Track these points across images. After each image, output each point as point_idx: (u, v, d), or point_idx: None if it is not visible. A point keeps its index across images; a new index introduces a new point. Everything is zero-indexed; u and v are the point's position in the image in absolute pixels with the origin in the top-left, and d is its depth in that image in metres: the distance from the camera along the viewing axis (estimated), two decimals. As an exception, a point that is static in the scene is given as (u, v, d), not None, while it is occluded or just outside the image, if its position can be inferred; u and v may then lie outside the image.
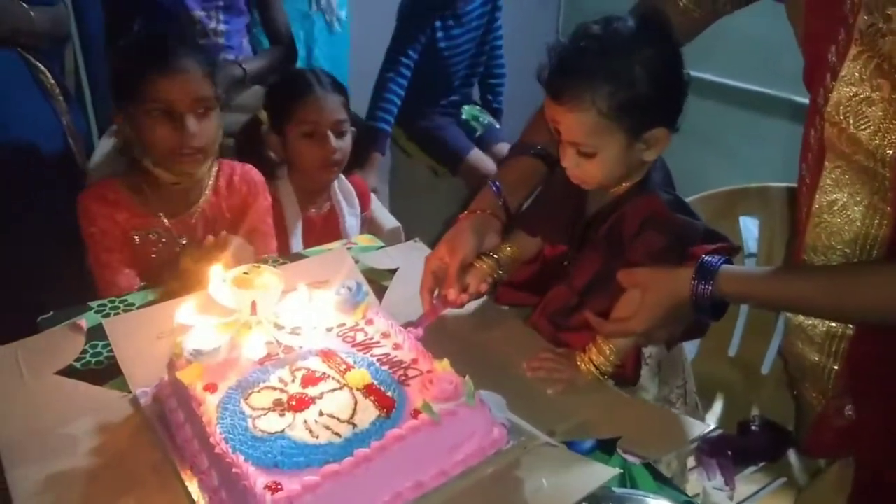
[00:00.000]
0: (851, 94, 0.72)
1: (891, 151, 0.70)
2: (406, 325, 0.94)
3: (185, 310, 0.84)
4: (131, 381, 0.91)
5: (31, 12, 1.45)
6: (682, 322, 0.93)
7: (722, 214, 1.33)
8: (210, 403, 0.76)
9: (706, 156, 2.45)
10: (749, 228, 1.39)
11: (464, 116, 2.21)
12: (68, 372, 0.94)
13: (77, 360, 0.96)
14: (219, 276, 0.86)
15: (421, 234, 1.31)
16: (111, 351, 0.97)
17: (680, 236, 0.90)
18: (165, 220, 1.29)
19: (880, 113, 0.70)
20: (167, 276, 1.17)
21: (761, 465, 1.21)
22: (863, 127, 0.72)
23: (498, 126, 2.26)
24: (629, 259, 0.92)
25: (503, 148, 2.17)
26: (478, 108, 2.25)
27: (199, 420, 0.75)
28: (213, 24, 1.81)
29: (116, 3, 1.83)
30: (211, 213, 1.33)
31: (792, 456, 1.21)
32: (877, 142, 0.71)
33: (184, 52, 1.21)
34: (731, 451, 1.19)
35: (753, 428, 1.26)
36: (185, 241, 1.29)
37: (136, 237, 1.27)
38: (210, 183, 1.34)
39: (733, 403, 1.35)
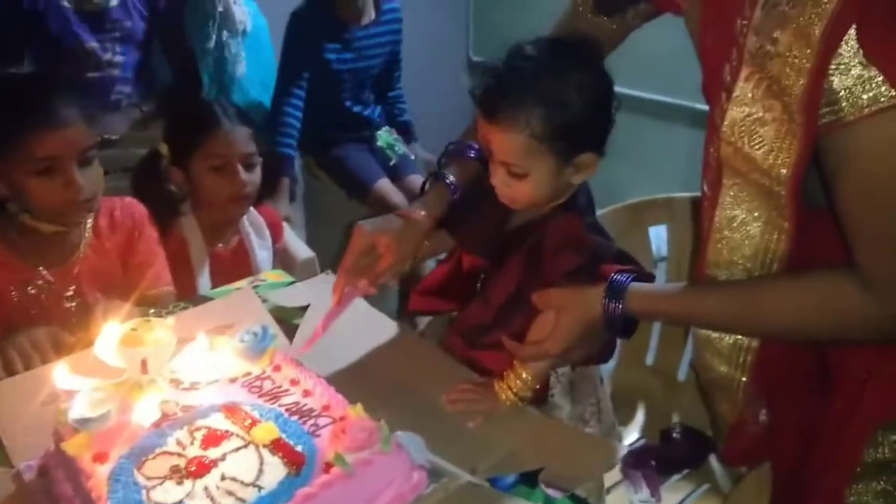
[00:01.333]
0: (745, 114, 0.73)
1: (784, 170, 0.72)
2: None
3: (62, 373, 0.77)
4: (14, 454, 0.83)
5: None
6: (596, 341, 0.93)
7: (631, 226, 1.36)
8: (100, 475, 0.70)
9: (617, 165, 2.52)
10: (659, 235, 1.42)
11: (379, 143, 2.18)
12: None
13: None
14: (106, 334, 0.79)
15: (336, 261, 1.27)
16: (-9, 421, 0.88)
17: (594, 257, 0.91)
18: (45, 273, 1.18)
19: (772, 133, 0.72)
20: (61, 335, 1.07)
21: (685, 472, 1.23)
22: (757, 146, 0.73)
23: (412, 157, 2.24)
24: (545, 278, 0.92)
25: (415, 180, 2.16)
26: (393, 136, 2.23)
27: (87, 495, 0.69)
28: (107, 56, 1.73)
29: (4, 35, 1.71)
30: (95, 257, 1.23)
31: (714, 462, 1.23)
32: (770, 161, 0.73)
33: (66, 101, 1.11)
34: (655, 460, 1.20)
35: (675, 435, 1.28)
36: (71, 293, 1.19)
37: (14, 294, 1.16)
38: (89, 225, 1.24)
39: (654, 411, 1.37)
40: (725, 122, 0.74)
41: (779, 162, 0.72)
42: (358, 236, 0.99)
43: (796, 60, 0.67)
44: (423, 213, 1.01)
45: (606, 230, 0.99)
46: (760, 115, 0.72)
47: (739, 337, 0.87)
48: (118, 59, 1.74)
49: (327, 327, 0.99)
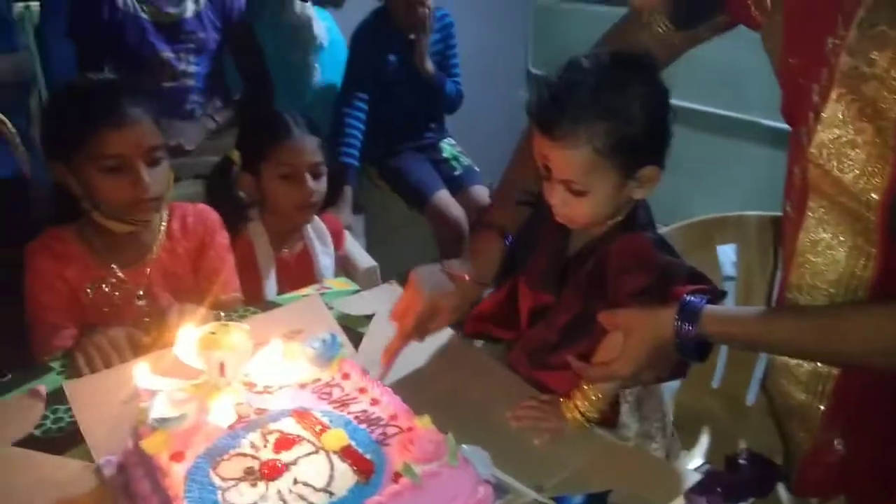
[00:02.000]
0: (834, 136, 0.71)
1: (875, 195, 0.70)
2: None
3: (145, 373, 0.80)
4: (94, 450, 0.86)
5: None
6: (667, 363, 0.91)
7: (699, 244, 1.33)
8: (177, 474, 0.72)
9: (679, 183, 2.48)
10: (727, 254, 1.38)
11: (444, 154, 2.20)
12: (27, 441, 0.88)
13: (37, 426, 0.91)
14: (185, 336, 0.82)
15: (397, 272, 1.28)
16: (73, 416, 0.92)
17: (664, 276, 0.88)
18: (119, 272, 1.23)
19: (864, 156, 0.69)
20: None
21: (751, 500, 1.19)
22: (846, 170, 0.71)
23: (477, 169, 2.25)
24: (612, 299, 0.90)
25: (479, 191, 2.17)
26: (457, 148, 2.24)
27: (164, 492, 0.71)
28: (182, 66, 1.80)
29: (85, 46, 1.80)
30: (167, 259, 1.28)
31: (781, 490, 1.18)
32: (861, 185, 0.70)
33: (133, 102, 1.16)
34: (721, 486, 1.17)
35: (742, 462, 1.24)
36: (142, 293, 1.23)
37: (89, 291, 1.21)
38: (163, 228, 1.28)
39: (719, 437, 1.33)
40: (813, 144, 0.72)
41: (869, 187, 0.70)
42: (418, 300, 0.99)
43: (895, 83, 0.64)
44: (468, 279, 1.01)
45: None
46: (851, 137, 0.70)
47: (819, 364, 0.85)
48: (192, 69, 1.81)
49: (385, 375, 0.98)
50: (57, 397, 0.96)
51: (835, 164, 0.72)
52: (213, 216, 1.37)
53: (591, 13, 3.07)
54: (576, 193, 0.88)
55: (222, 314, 1.15)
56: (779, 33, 0.81)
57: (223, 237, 1.37)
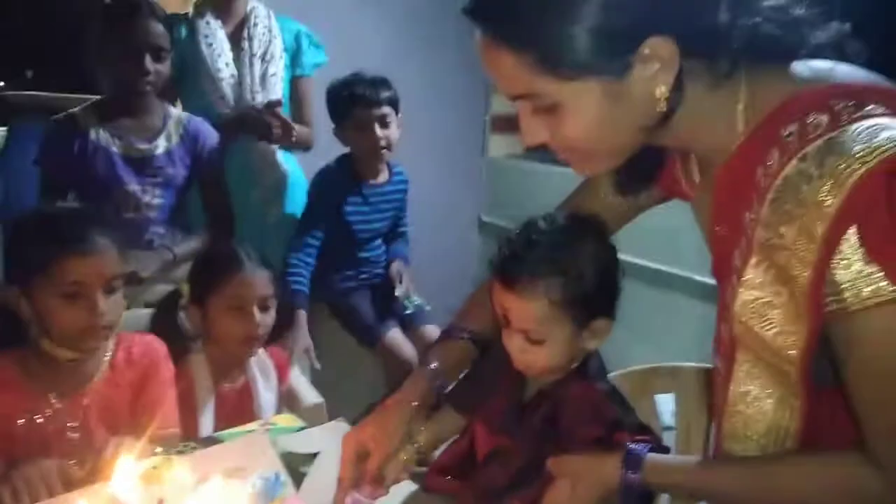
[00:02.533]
0: (754, 297, 0.78)
1: (793, 352, 0.76)
2: None
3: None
4: None
5: None
6: None
7: (637, 393, 1.37)
8: None
9: (618, 331, 2.57)
10: (665, 402, 1.43)
11: (397, 293, 2.25)
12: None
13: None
14: (124, 470, 0.80)
15: (346, 408, 1.28)
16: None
17: (614, 427, 0.93)
18: (55, 402, 1.20)
19: (781, 316, 0.76)
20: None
21: None
22: (767, 328, 0.78)
23: (428, 308, 2.31)
24: (564, 447, 0.93)
25: (431, 330, 2.21)
26: (410, 288, 2.31)
27: None
28: (147, 199, 1.84)
29: (51, 173, 1.84)
30: (107, 390, 1.25)
31: None
32: (779, 342, 0.77)
33: (97, 231, 1.19)
34: None
35: None
36: (76, 425, 1.19)
37: (21, 422, 1.17)
38: (107, 358, 1.26)
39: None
40: (737, 303, 0.80)
41: (788, 343, 0.76)
42: (345, 446, 1.00)
43: (802, 253, 0.72)
44: (396, 402, 1.03)
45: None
46: (770, 299, 0.77)
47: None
48: (156, 201, 1.85)
49: None
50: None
51: (756, 321, 0.78)
52: (161, 348, 1.35)
53: (538, 170, 3.31)
54: (533, 342, 0.95)
55: (158, 449, 1.12)
56: (707, 206, 0.90)
57: (168, 370, 1.35)
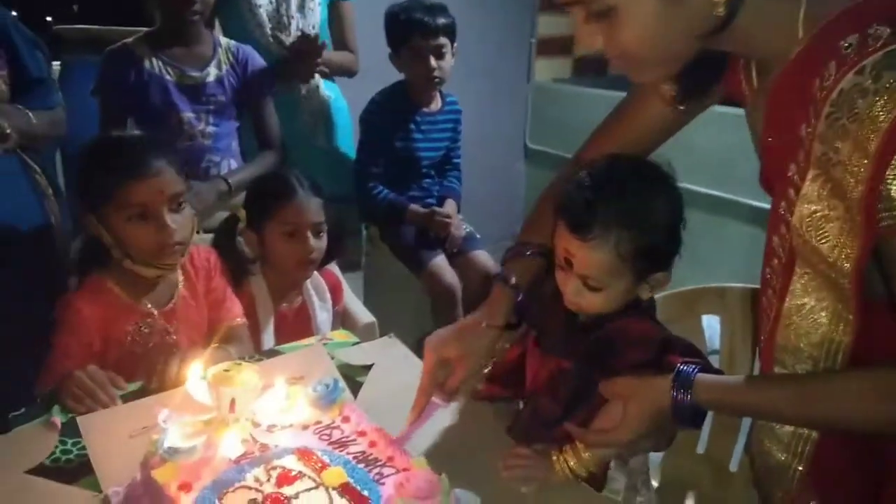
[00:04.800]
0: (811, 210, 0.78)
1: (847, 265, 0.76)
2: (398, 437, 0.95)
3: (156, 406, 0.85)
4: (103, 480, 0.89)
5: (31, 115, 1.50)
6: (664, 432, 0.96)
7: (684, 314, 1.39)
8: None
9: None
10: (712, 326, 1.44)
11: (453, 231, 2.27)
12: (39, 470, 0.92)
13: (48, 457, 0.94)
14: (197, 373, 0.87)
15: (395, 327, 1.34)
16: (83, 448, 0.95)
17: (663, 349, 0.94)
18: (155, 312, 1.30)
19: (836, 230, 0.76)
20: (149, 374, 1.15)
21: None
22: (823, 241, 0.77)
23: (478, 236, 2.34)
24: (616, 371, 0.94)
25: (481, 255, 2.25)
26: (459, 215, 2.34)
27: (172, 521, 0.75)
28: (201, 126, 1.89)
29: (109, 103, 1.90)
30: (189, 295, 1.35)
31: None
32: (835, 255, 0.77)
33: (155, 154, 1.24)
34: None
35: (724, 527, 1.26)
36: (173, 329, 1.30)
37: (130, 335, 1.27)
38: (181, 270, 1.36)
39: (704, 501, 1.36)
40: (795, 217, 0.80)
41: (843, 256, 0.76)
42: (429, 355, 1.03)
43: (855, 168, 0.72)
44: (484, 324, 1.05)
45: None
46: (826, 213, 0.76)
47: (801, 426, 0.89)
48: (210, 129, 1.90)
49: (409, 438, 1.01)
50: (67, 430, 0.99)
51: (813, 235, 0.78)
52: (214, 255, 1.46)
53: (584, 94, 3.25)
54: (591, 288, 0.95)
55: (232, 351, 1.20)
56: (761, 112, 0.88)
57: (221, 272, 1.45)
